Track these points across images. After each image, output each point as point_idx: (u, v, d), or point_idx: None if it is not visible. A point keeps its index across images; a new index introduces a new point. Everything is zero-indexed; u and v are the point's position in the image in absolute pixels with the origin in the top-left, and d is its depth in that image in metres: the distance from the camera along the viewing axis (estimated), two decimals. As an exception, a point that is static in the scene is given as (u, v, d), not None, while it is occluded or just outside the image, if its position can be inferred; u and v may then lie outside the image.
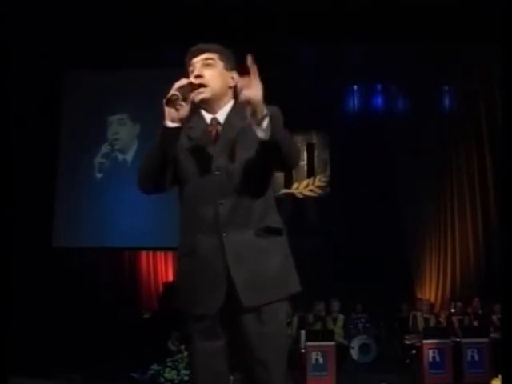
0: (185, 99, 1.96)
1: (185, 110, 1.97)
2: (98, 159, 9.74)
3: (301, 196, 10.06)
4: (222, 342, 2.01)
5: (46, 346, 7.58)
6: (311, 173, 10.05)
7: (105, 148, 9.80)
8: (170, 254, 10.78)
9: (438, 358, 7.22)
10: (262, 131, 1.82)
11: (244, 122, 1.95)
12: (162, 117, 1.98)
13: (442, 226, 10.27)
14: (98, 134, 9.66)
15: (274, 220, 2.08)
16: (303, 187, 10.06)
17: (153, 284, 10.69)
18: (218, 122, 2.08)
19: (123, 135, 9.84)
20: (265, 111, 1.80)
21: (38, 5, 7.71)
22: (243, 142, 2.00)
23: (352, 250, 9.21)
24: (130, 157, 9.77)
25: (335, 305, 8.73)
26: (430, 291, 10.10)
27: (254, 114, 1.80)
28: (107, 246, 9.58)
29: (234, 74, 2.11)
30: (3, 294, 3.04)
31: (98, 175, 9.75)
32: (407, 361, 8.16)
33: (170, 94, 1.93)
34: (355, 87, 10.39)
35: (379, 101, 10.38)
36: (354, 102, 10.38)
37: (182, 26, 8.12)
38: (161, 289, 10.36)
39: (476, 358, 7.23)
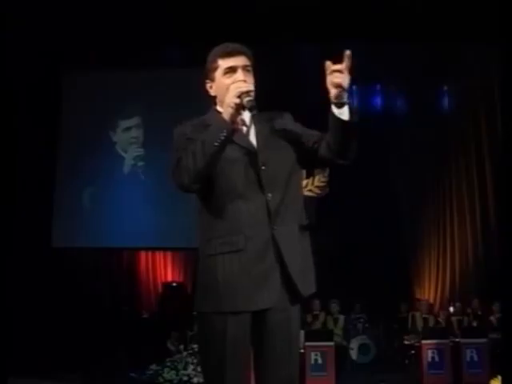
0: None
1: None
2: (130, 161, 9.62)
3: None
4: (250, 339, 2.04)
5: (45, 346, 7.58)
6: (310, 173, 10.01)
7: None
8: (169, 254, 10.79)
9: (437, 359, 7.20)
10: (345, 114, 2.05)
11: (269, 122, 2.12)
12: (219, 120, 1.98)
13: (441, 226, 10.27)
14: (97, 134, 9.64)
15: (306, 216, 2.16)
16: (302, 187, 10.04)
17: (152, 284, 10.69)
18: (244, 123, 2.12)
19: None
20: (346, 97, 2.03)
21: (37, 5, 7.70)
22: (276, 140, 2.11)
23: (351, 250, 9.21)
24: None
25: (335, 306, 8.72)
26: (429, 291, 10.10)
27: (337, 97, 2.01)
28: (106, 246, 9.57)
29: None
30: (3, 295, 3.05)
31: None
32: (406, 361, 8.16)
33: (246, 100, 1.96)
34: (354, 87, 10.37)
35: (378, 101, 10.37)
36: (352, 103, 10.31)
37: (182, 26, 8.11)
38: (160, 289, 10.36)
39: (475, 358, 7.21)
